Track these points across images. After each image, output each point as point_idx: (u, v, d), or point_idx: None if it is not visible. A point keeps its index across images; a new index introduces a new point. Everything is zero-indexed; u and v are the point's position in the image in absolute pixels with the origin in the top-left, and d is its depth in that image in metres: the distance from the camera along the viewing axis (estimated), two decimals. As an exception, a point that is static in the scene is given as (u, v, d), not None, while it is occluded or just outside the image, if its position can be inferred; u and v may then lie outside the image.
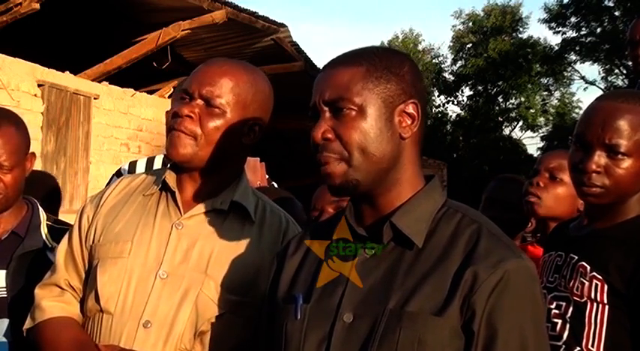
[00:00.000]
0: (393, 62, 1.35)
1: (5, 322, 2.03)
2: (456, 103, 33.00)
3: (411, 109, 1.34)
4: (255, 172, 2.61)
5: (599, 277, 1.66)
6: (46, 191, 3.13)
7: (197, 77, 1.73)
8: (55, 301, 1.78)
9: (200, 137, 1.69)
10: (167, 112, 1.77)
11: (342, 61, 1.36)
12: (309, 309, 1.35)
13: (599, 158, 1.69)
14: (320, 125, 1.32)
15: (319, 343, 1.31)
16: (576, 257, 1.72)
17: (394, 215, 1.33)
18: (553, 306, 1.75)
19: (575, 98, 33.21)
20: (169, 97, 9.60)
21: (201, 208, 1.73)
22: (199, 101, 1.70)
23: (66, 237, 1.85)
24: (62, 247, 1.84)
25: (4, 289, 2.05)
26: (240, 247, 1.71)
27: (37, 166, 7.67)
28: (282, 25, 9.10)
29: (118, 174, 2.65)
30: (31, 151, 2.18)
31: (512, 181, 2.69)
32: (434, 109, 32.27)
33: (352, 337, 1.29)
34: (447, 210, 1.36)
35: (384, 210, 1.35)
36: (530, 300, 1.28)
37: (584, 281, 1.68)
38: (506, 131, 32.73)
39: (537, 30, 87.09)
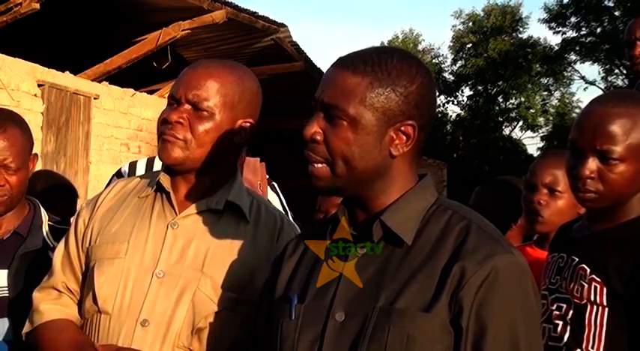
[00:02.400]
0: (402, 79, 1.31)
1: (6, 321, 2.04)
2: (456, 103, 33.00)
3: (407, 129, 1.32)
4: (256, 172, 2.61)
5: (598, 279, 1.66)
6: (60, 189, 3.15)
7: (183, 81, 1.73)
8: (52, 304, 1.79)
9: (190, 141, 1.70)
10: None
11: (351, 64, 1.33)
12: (303, 309, 1.36)
13: (592, 164, 1.68)
14: (312, 125, 1.33)
15: (312, 342, 1.33)
16: (577, 259, 1.73)
17: (384, 214, 1.33)
18: (554, 307, 1.75)
19: (575, 98, 33.18)
20: (169, 97, 9.59)
21: (196, 207, 1.74)
22: (187, 106, 1.70)
23: (62, 240, 1.86)
24: (59, 251, 1.84)
25: (6, 289, 2.06)
26: (235, 245, 1.72)
27: (37, 166, 7.68)
28: (282, 25, 9.10)
29: (118, 174, 2.64)
30: (33, 152, 2.19)
31: (496, 187, 2.70)
32: (434, 109, 32.16)
33: (343, 335, 1.30)
34: (438, 208, 1.36)
35: (375, 210, 1.36)
36: (520, 295, 1.27)
37: (584, 283, 1.68)
38: (506, 131, 32.73)
39: (537, 30, 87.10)
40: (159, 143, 1.73)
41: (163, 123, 1.72)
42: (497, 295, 1.25)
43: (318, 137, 1.32)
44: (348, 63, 1.33)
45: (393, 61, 1.33)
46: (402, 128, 1.32)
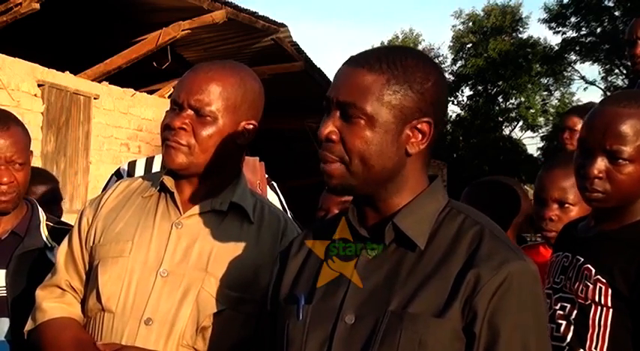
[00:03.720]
0: (417, 76, 1.30)
1: (5, 321, 2.04)
2: (456, 103, 32.97)
3: (423, 126, 1.31)
4: (255, 171, 2.60)
5: (604, 280, 1.65)
6: (44, 187, 3.12)
7: (185, 86, 1.72)
8: (55, 302, 1.79)
9: (194, 147, 1.70)
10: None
11: (365, 62, 1.31)
12: (311, 309, 1.35)
13: (601, 164, 1.67)
14: (327, 124, 1.31)
15: (321, 344, 1.31)
16: (582, 259, 1.72)
17: (396, 216, 1.32)
18: (558, 307, 1.74)
19: (575, 98, 33.13)
20: (169, 97, 9.60)
21: (200, 208, 1.74)
22: (190, 111, 1.70)
23: (66, 239, 1.86)
24: (62, 249, 1.85)
25: (4, 289, 2.06)
26: (239, 246, 1.72)
27: (37, 165, 7.68)
28: (282, 25, 9.11)
29: (117, 174, 2.65)
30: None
31: (484, 187, 2.69)
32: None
33: (353, 338, 1.29)
34: (450, 211, 1.35)
35: (387, 212, 1.35)
36: (533, 302, 1.27)
37: (589, 284, 1.67)
38: (506, 131, 32.72)
39: (537, 30, 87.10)
40: (163, 148, 1.73)
41: (166, 129, 1.72)
42: (511, 302, 1.24)
43: (334, 137, 1.30)
44: (362, 61, 1.32)
45: (407, 58, 1.32)
46: (419, 126, 1.31)
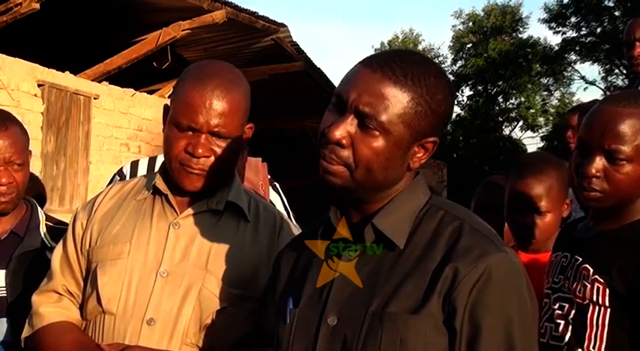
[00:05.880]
0: (437, 98, 1.30)
1: (5, 321, 2.04)
2: (456, 103, 32.90)
3: (429, 144, 1.32)
4: (257, 172, 2.61)
5: (601, 280, 1.65)
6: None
7: (198, 110, 1.68)
8: (53, 307, 1.79)
9: (213, 166, 1.70)
10: (165, 138, 1.72)
11: (392, 73, 1.28)
12: (297, 313, 1.36)
13: (599, 163, 1.67)
14: (339, 127, 1.28)
15: (305, 347, 1.32)
16: (580, 259, 1.72)
17: (376, 217, 1.32)
18: (556, 307, 1.75)
19: (575, 98, 33.13)
20: (169, 97, 9.60)
21: (196, 208, 1.75)
22: (209, 136, 1.69)
23: (60, 244, 1.86)
24: (57, 254, 1.84)
25: (4, 289, 2.07)
26: (237, 243, 1.73)
27: (37, 165, 7.68)
28: (282, 25, 9.11)
29: (120, 174, 2.64)
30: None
31: (498, 186, 2.67)
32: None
33: (336, 340, 1.29)
34: (430, 208, 1.34)
35: (369, 211, 1.35)
36: (515, 294, 1.26)
37: (587, 284, 1.67)
38: (506, 131, 32.73)
39: (537, 30, 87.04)
40: (178, 171, 1.71)
41: (188, 153, 1.69)
42: (491, 295, 1.23)
43: (345, 141, 1.28)
44: (388, 71, 1.28)
45: (430, 76, 1.30)
46: (426, 144, 1.32)
